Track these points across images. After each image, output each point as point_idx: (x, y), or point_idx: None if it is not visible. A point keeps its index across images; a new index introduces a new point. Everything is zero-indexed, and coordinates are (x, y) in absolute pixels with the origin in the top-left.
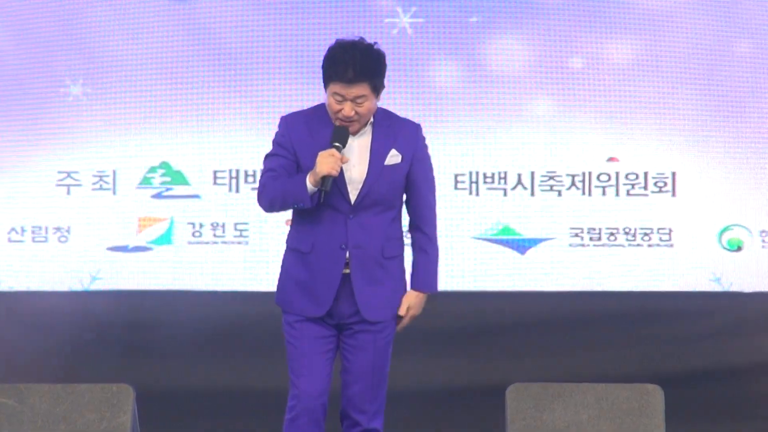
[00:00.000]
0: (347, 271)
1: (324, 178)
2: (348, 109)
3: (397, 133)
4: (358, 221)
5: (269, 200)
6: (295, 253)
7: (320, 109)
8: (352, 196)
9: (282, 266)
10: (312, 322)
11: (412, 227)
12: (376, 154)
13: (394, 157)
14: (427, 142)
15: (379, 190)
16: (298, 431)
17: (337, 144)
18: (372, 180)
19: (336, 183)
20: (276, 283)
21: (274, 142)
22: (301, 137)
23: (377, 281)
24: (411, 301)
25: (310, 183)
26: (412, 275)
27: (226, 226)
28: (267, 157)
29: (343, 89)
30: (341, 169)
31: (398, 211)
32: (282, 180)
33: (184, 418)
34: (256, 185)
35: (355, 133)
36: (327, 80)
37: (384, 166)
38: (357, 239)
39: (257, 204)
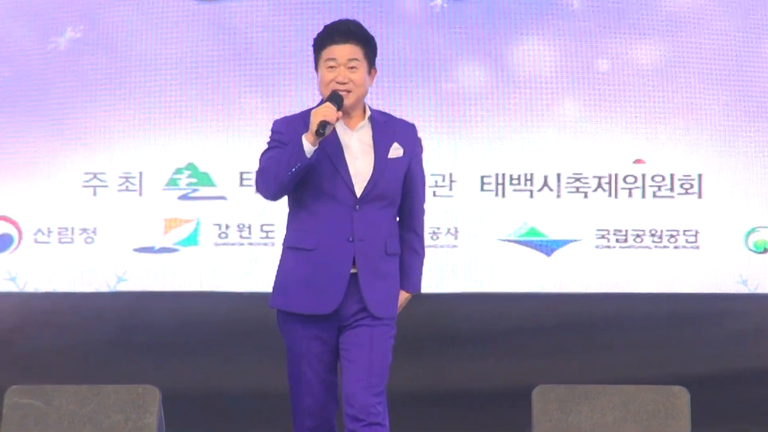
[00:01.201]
0: (354, 270)
1: (322, 126)
2: (342, 74)
3: (396, 129)
4: (364, 215)
5: (267, 176)
6: (298, 252)
7: (312, 109)
8: (358, 189)
9: (280, 267)
10: (313, 339)
11: (404, 227)
12: (380, 147)
13: (396, 150)
14: (455, 143)
15: (385, 184)
16: None
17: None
18: (378, 173)
19: (341, 176)
20: None
21: (272, 140)
22: (299, 133)
23: (382, 277)
24: (402, 302)
25: (307, 142)
26: (403, 276)
27: (252, 227)
28: (263, 153)
29: (335, 51)
30: (345, 162)
31: (398, 208)
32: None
33: (210, 420)
34: None
35: (349, 109)
36: (319, 50)
37: (388, 159)
38: (363, 232)
39: (258, 192)
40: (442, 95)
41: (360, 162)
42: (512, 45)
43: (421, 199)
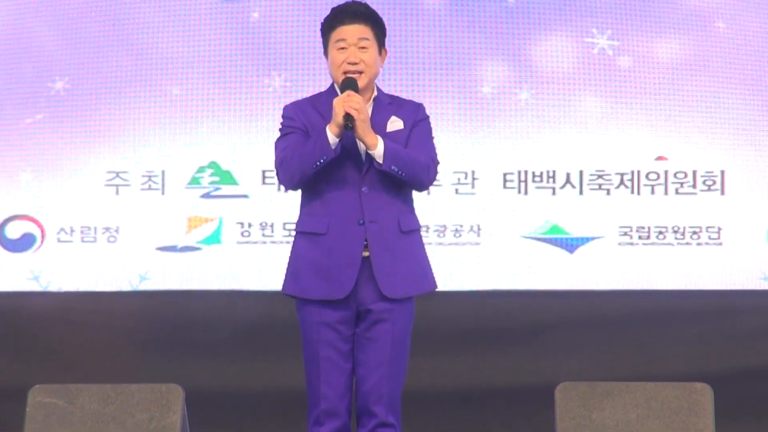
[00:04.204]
0: (367, 254)
1: (350, 121)
2: (353, 54)
3: (399, 106)
4: (372, 195)
5: (290, 167)
6: (310, 237)
7: (322, 94)
8: (363, 168)
9: (293, 253)
10: (328, 326)
11: None
12: (376, 121)
13: (394, 123)
14: (477, 140)
15: None
16: None
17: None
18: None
19: (350, 154)
20: None
21: (285, 126)
22: (311, 119)
23: (397, 257)
24: (372, 132)
25: (331, 133)
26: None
27: (275, 225)
28: (279, 140)
29: (345, 31)
30: (355, 140)
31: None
32: (301, 145)
33: (234, 418)
34: None
35: (361, 92)
36: (328, 32)
37: (387, 133)
38: (373, 213)
39: (279, 182)
40: (463, 92)
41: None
42: (534, 41)
43: (423, 155)
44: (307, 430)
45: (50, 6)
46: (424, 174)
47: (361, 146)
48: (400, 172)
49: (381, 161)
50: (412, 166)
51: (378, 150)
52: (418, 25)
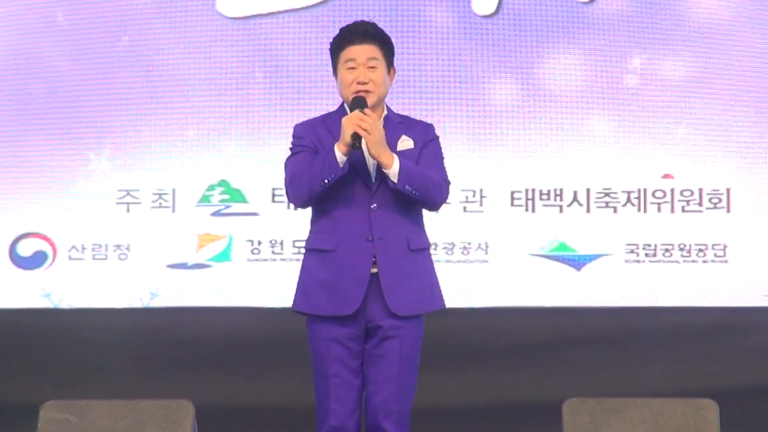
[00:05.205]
0: (375, 270)
1: (357, 140)
2: (362, 74)
3: (409, 126)
4: (381, 212)
5: (299, 185)
6: (318, 254)
7: (333, 113)
8: (372, 186)
9: (302, 270)
10: (337, 342)
11: None
12: (387, 142)
13: (405, 142)
14: (485, 158)
15: None
16: None
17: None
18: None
19: (358, 172)
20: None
21: (295, 145)
22: (321, 138)
23: (405, 275)
24: (387, 151)
25: (339, 152)
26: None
27: (285, 243)
28: (289, 158)
29: (354, 51)
30: (364, 158)
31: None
32: (310, 164)
33: None
34: None
35: (371, 110)
36: (337, 52)
37: (397, 152)
38: (381, 231)
39: (289, 200)
40: (471, 110)
41: (372, 160)
42: (541, 60)
43: (435, 174)
44: None
45: (60, 26)
46: (437, 194)
47: (370, 163)
48: (414, 192)
49: (396, 180)
50: (426, 186)
51: (393, 169)
52: (426, 44)
